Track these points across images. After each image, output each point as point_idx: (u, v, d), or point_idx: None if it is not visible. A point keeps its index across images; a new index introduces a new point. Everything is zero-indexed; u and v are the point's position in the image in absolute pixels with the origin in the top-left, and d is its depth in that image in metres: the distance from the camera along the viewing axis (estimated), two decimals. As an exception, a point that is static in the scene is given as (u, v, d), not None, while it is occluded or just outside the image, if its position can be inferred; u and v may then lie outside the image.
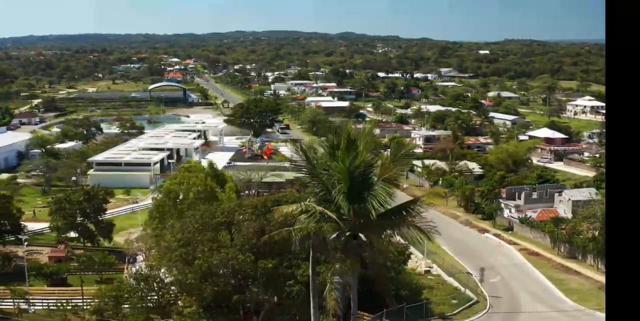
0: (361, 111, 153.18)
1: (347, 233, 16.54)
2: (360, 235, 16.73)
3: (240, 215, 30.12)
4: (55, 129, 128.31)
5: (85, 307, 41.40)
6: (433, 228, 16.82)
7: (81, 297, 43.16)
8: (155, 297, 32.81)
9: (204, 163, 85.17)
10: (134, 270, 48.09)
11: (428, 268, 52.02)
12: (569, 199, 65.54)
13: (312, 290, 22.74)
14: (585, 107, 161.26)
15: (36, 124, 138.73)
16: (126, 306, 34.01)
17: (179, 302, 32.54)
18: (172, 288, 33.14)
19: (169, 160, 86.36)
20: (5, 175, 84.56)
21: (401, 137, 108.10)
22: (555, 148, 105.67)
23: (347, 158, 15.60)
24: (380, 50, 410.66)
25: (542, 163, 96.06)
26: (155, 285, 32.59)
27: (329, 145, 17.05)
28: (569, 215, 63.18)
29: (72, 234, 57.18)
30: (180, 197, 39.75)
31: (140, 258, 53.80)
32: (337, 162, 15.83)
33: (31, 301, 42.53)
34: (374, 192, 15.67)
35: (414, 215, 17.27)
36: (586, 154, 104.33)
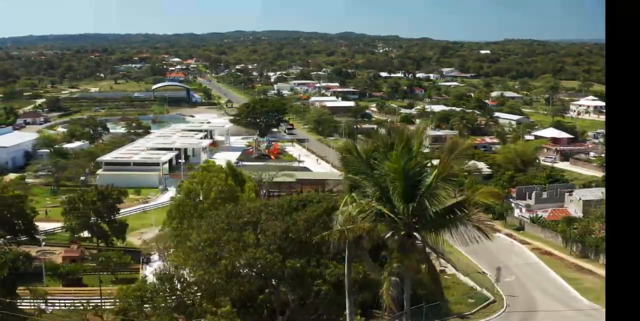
0: (366, 111, 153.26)
1: (402, 233, 16.68)
2: (415, 234, 16.90)
3: (267, 214, 30.16)
4: (61, 129, 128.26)
5: (104, 307, 41.52)
6: (491, 227, 16.92)
7: (99, 297, 43.25)
8: (180, 297, 32.79)
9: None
10: (151, 269, 48.11)
11: (443, 268, 52.05)
12: (580, 199, 65.72)
13: (348, 290, 22.82)
14: (588, 107, 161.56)
15: (41, 124, 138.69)
16: (148, 306, 34.01)
17: (204, 302, 32.51)
18: (195, 288, 33.11)
19: (179, 160, 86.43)
20: (13, 175, 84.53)
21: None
22: (562, 148, 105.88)
23: (402, 158, 15.72)
24: (381, 50, 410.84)
25: (547, 163, 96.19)
26: (179, 284, 32.60)
27: (382, 145, 17.16)
28: (580, 215, 63.37)
29: (84, 234, 57.20)
30: (200, 197, 39.78)
31: (155, 257, 53.85)
32: (391, 162, 15.95)
33: (49, 301, 42.58)
34: (431, 191, 15.83)
35: (469, 214, 17.42)
36: (592, 154, 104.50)
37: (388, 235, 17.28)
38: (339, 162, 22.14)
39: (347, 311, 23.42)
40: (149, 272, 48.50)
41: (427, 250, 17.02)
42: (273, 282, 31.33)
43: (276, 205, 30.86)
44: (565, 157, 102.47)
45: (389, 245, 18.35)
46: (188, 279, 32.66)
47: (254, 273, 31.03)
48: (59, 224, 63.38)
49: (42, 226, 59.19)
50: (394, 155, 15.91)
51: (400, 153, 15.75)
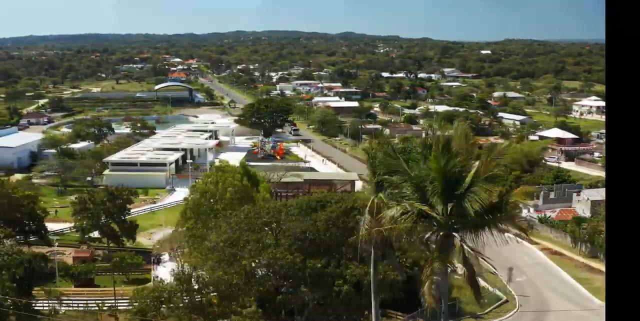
0: (370, 111, 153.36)
1: (441, 233, 16.87)
2: (454, 234, 17.10)
3: (286, 215, 30.25)
4: (65, 129, 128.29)
5: (119, 308, 41.64)
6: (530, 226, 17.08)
7: (113, 298, 43.32)
8: (198, 298, 32.82)
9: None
10: (163, 270, 48.20)
11: (453, 268, 52.22)
12: (588, 199, 65.89)
13: (374, 291, 22.91)
14: (591, 107, 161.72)
15: (44, 124, 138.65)
16: (165, 306, 34.07)
17: (222, 303, 32.50)
18: (212, 288, 33.11)
19: (187, 161, 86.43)
20: (19, 176, 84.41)
21: (414, 137, 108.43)
22: (567, 148, 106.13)
23: (442, 158, 15.91)
24: (381, 50, 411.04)
25: (550, 163, 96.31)
26: (197, 285, 32.62)
27: (422, 145, 17.32)
28: (588, 215, 63.55)
29: (93, 234, 57.11)
30: (215, 197, 39.76)
31: (165, 258, 53.90)
32: (431, 162, 16.11)
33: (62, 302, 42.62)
34: (471, 191, 16.02)
35: (508, 213, 17.61)
36: (596, 154, 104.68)
37: (427, 235, 17.51)
38: (368, 163, 22.18)
39: (372, 311, 23.55)
40: (160, 272, 48.64)
41: (465, 250, 17.20)
42: (292, 282, 31.35)
43: (295, 206, 30.94)
44: (570, 157, 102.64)
45: (429, 245, 18.55)
46: (205, 279, 32.68)
47: (271, 274, 31.10)
48: (68, 224, 63.43)
49: (51, 226, 59.22)
50: (434, 155, 16.09)
51: (441, 154, 15.93)
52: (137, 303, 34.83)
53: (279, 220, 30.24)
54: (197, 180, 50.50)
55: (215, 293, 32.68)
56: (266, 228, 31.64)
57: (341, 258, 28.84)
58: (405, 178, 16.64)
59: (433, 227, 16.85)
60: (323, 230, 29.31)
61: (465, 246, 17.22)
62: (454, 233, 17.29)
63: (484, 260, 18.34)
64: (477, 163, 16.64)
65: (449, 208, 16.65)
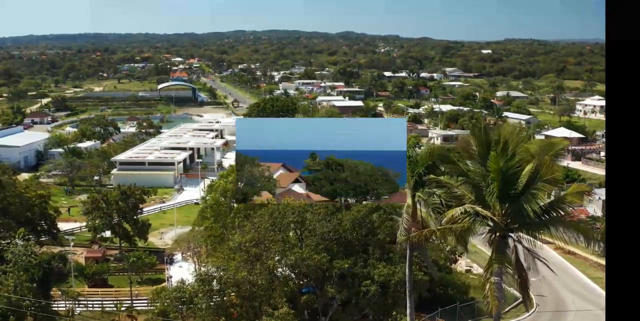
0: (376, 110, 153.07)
1: (497, 234, 16.71)
2: (511, 235, 16.96)
3: (312, 214, 30.05)
4: (69, 128, 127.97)
5: (136, 308, 41.45)
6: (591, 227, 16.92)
7: (129, 298, 43.10)
8: (217, 298, 32.57)
9: (226, 163, 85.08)
10: (177, 269, 48.01)
11: (469, 268, 52.17)
12: (599, 198, 65.83)
13: (409, 290, 22.72)
14: (594, 106, 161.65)
15: (48, 123, 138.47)
16: (185, 307, 33.83)
17: (244, 303, 32.23)
18: (235, 289, 32.83)
19: (197, 160, 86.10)
20: (26, 175, 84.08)
21: (418, 136, 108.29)
22: (573, 147, 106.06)
23: (501, 158, 15.75)
24: (382, 50, 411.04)
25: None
26: (219, 285, 32.37)
27: (479, 145, 17.14)
28: (600, 214, 63.50)
29: (104, 234, 56.80)
30: (233, 196, 39.49)
31: (178, 257, 53.68)
32: (491, 163, 15.94)
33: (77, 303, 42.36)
34: (531, 192, 15.88)
35: (563, 214, 17.49)
36: (603, 154, 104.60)
37: (483, 235, 17.40)
38: (407, 162, 21.98)
39: (407, 311, 23.37)
40: (173, 272, 48.44)
41: (520, 251, 17.04)
42: (316, 282, 31.12)
43: (321, 205, 30.74)
44: (577, 156, 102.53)
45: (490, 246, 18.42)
46: (229, 280, 32.39)
47: (295, 274, 30.88)
48: (77, 224, 63.21)
49: (61, 226, 58.95)
50: (493, 155, 15.93)
51: (499, 154, 15.77)
52: (158, 304, 34.60)
53: (304, 220, 30.03)
54: (214, 179, 50.18)
55: (235, 294, 32.41)
56: (295, 228, 31.38)
57: (368, 258, 28.66)
58: (462, 179, 16.46)
59: (490, 227, 16.69)
60: (349, 230, 29.13)
61: (520, 247, 17.05)
62: (510, 234, 17.15)
63: (540, 260, 18.14)
64: (530, 163, 16.47)
65: (505, 209, 16.51)
